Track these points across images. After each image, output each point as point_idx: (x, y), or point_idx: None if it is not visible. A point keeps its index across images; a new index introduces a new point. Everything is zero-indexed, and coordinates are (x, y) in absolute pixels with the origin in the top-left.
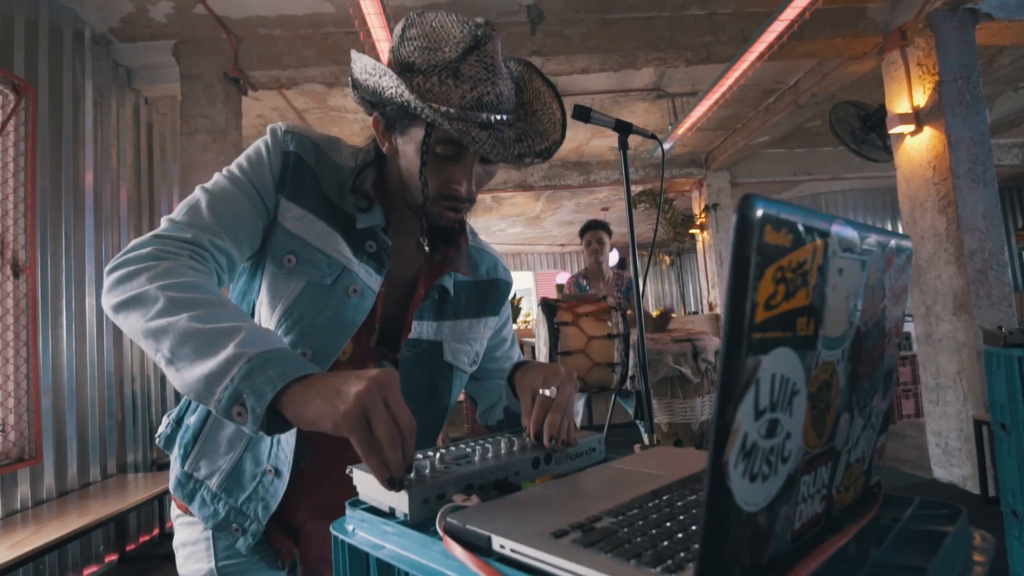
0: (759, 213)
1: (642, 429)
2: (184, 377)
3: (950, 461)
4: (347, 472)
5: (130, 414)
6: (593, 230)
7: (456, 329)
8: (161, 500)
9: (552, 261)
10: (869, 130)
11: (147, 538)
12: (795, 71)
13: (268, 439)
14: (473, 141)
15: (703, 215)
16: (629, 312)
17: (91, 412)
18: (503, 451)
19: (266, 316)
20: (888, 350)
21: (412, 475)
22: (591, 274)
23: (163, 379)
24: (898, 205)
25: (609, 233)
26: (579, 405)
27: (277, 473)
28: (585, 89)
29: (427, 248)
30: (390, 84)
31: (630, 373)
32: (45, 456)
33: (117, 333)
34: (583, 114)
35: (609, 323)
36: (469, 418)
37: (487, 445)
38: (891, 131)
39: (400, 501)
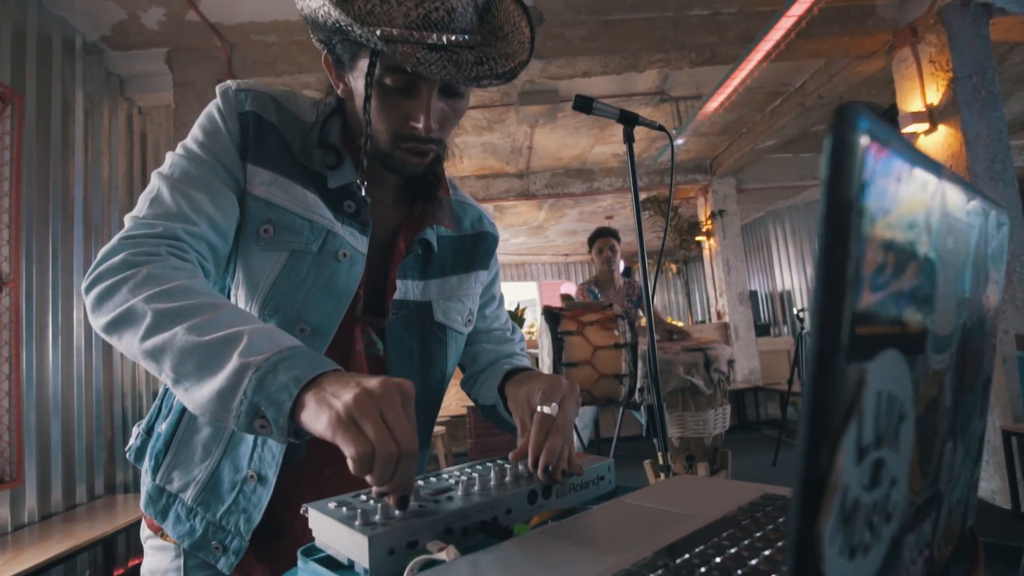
0: (864, 136)
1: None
2: (195, 398)
3: None
4: (302, 512)
5: (120, 432)
6: (604, 237)
7: (444, 287)
8: None
9: (556, 271)
10: None
11: (137, 562)
12: (801, 72)
13: (249, 439)
14: (418, 63)
15: (709, 222)
16: (641, 322)
17: (78, 430)
18: (492, 483)
19: (246, 299)
20: (987, 354)
21: (393, 512)
22: (602, 282)
23: (155, 395)
24: None
25: (618, 240)
26: (586, 419)
27: (260, 479)
28: (587, 94)
29: (413, 197)
30: (318, 5)
31: (639, 385)
32: (27, 477)
33: (107, 347)
34: (585, 105)
35: (616, 332)
36: (472, 432)
37: (473, 475)
38: (904, 130)
39: (359, 551)
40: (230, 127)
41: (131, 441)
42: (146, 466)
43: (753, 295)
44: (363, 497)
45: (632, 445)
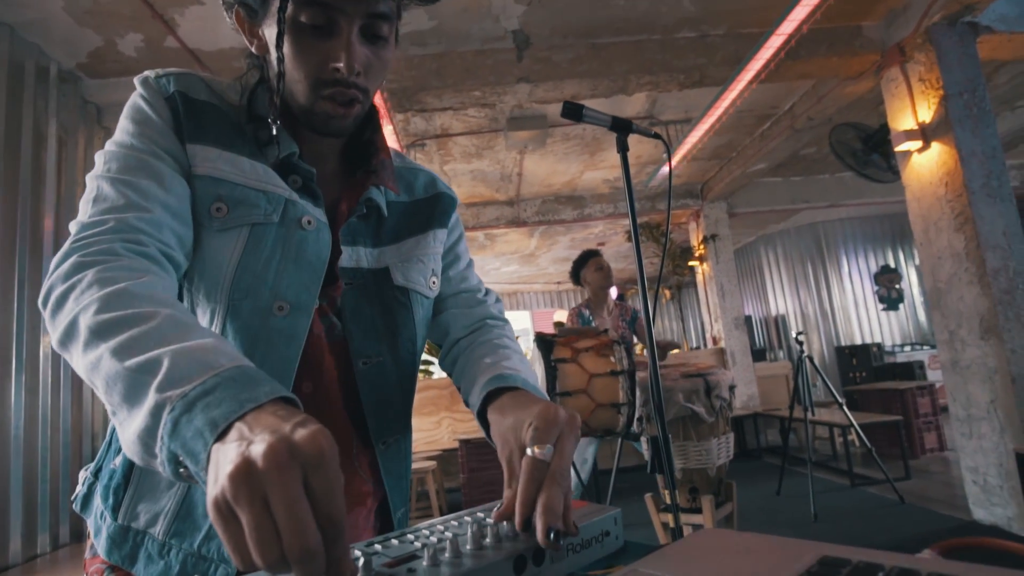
0: None
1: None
2: (123, 437)
3: (991, 500)
4: None
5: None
6: (596, 256)
7: (401, 250)
8: None
9: (548, 300)
10: (872, 151)
11: None
12: (790, 95)
13: None
14: None
15: (702, 246)
16: (640, 350)
17: (42, 473)
18: (468, 546)
19: (212, 289)
20: None
21: None
22: (594, 304)
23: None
24: (898, 232)
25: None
26: (587, 453)
27: None
28: None
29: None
30: None
31: (638, 414)
32: None
33: (76, 385)
34: (574, 112)
35: (612, 359)
36: (465, 467)
37: (445, 535)
38: (897, 149)
39: None
40: (159, 112)
41: (78, 488)
42: (99, 510)
43: (748, 320)
44: None
45: (631, 477)
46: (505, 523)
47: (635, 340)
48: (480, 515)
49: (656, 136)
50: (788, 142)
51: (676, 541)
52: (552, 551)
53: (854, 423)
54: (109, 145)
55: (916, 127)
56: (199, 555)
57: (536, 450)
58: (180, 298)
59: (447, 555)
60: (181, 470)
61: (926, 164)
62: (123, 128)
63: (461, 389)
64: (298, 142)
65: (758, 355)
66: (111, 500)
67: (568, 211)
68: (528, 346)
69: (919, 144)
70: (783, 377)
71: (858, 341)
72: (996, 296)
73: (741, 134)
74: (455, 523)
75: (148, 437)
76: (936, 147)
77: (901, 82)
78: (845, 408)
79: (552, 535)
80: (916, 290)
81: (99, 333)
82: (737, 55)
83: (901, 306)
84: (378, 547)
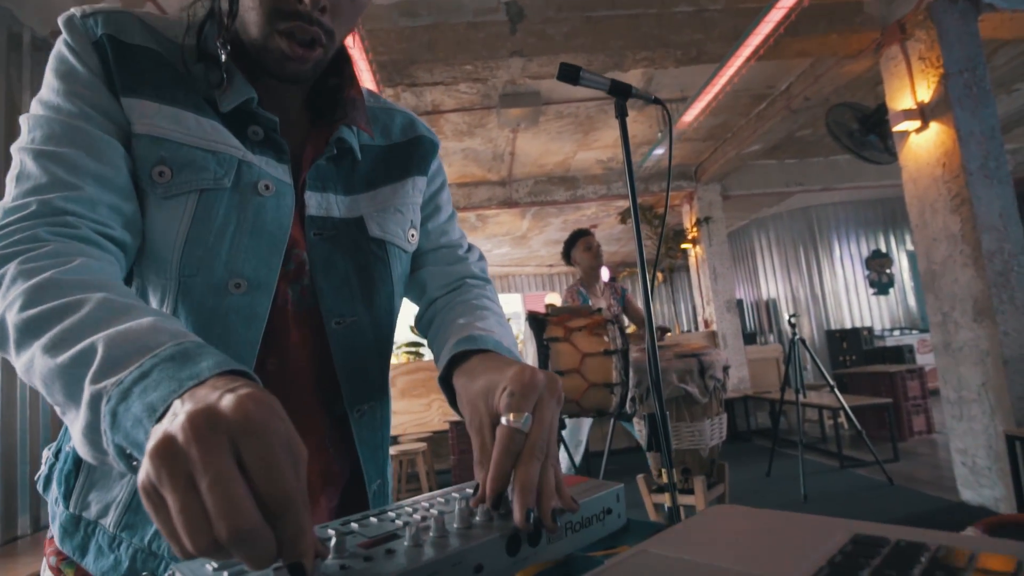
0: None
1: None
2: (74, 438)
3: (979, 481)
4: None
5: None
6: (586, 236)
7: (376, 199)
8: None
9: (540, 283)
10: (868, 131)
11: None
12: (787, 74)
13: None
14: None
15: (695, 229)
16: (631, 329)
17: (21, 455)
18: (456, 525)
19: (161, 266)
20: None
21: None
22: (587, 283)
23: None
24: (889, 217)
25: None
26: (581, 435)
27: None
28: (568, 96)
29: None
30: None
31: (631, 394)
32: None
33: None
34: (571, 74)
35: (605, 338)
36: (456, 448)
37: (430, 512)
38: (895, 128)
39: None
40: (87, 61)
41: (41, 468)
42: (55, 494)
43: (739, 304)
44: None
45: (621, 459)
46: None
47: (625, 320)
48: (469, 491)
49: (656, 101)
50: (784, 123)
51: (688, 518)
52: (536, 538)
53: (845, 406)
54: (34, 106)
55: (915, 107)
56: (149, 551)
57: (511, 418)
58: (129, 279)
59: (432, 534)
60: (134, 463)
61: (924, 145)
62: (48, 84)
63: (434, 353)
64: (256, 88)
65: (749, 339)
66: (63, 487)
67: (561, 192)
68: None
69: (917, 124)
70: (774, 360)
71: (848, 325)
72: (991, 278)
73: (736, 115)
74: (441, 499)
75: (92, 433)
76: (934, 127)
77: (901, 60)
78: (836, 391)
79: (531, 517)
80: (906, 275)
81: (28, 331)
82: (735, 31)
83: (891, 291)
84: (354, 526)
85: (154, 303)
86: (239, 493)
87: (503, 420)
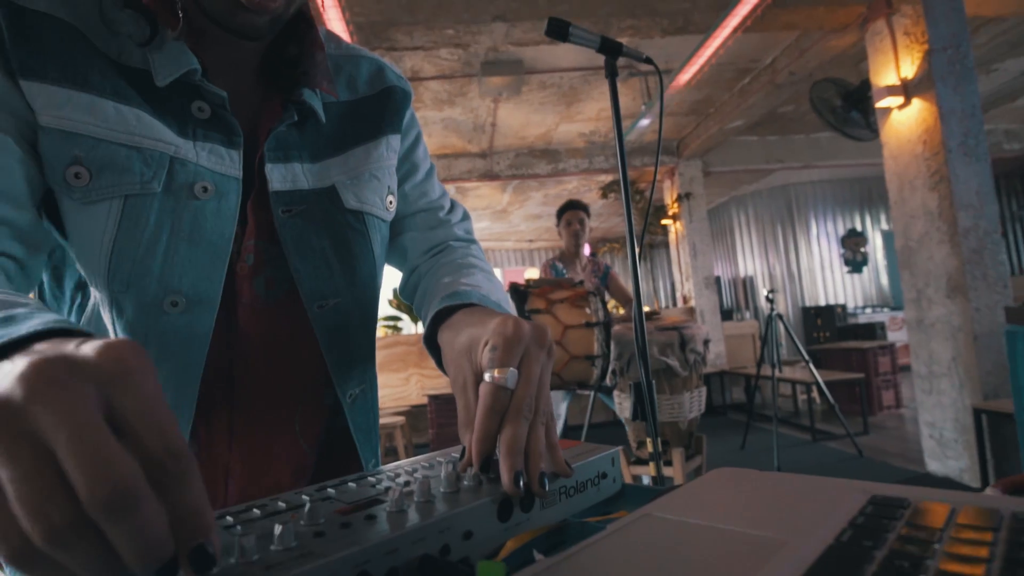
0: None
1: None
2: None
3: (945, 453)
4: None
5: None
6: (573, 209)
7: (348, 163)
8: None
9: (520, 258)
10: (851, 107)
11: None
12: (772, 48)
13: None
14: None
15: (676, 205)
16: (620, 311)
17: None
18: (442, 489)
19: (95, 281)
20: None
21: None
22: (567, 257)
23: None
24: (866, 197)
25: (588, 215)
26: (560, 409)
27: None
28: (553, 66)
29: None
30: None
31: (612, 367)
32: None
33: None
34: (560, 29)
35: (587, 310)
36: (434, 422)
37: (413, 477)
38: (878, 104)
39: None
40: None
41: None
42: None
43: (717, 280)
44: (228, 518)
45: (599, 433)
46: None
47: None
48: (455, 456)
49: (648, 60)
50: (767, 98)
51: (690, 482)
52: (528, 502)
53: (819, 380)
54: None
55: (898, 83)
56: None
57: (496, 374)
58: (86, 291)
59: (416, 499)
60: None
61: (905, 121)
62: None
63: (421, 317)
64: (202, 47)
65: (725, 315)
66: None
67: (542, 165)
68: None
69: (900, 100)
70: (750, 336)
71: (822, 303)
72: (965, 255)
73: (720, 89)
74: (425, 464)
75: None
76: (916, 104)
77: (886, 35)
78: (812, 366)
79: (520, 481)
80: (880, 254)
81: None
82: (723, 0)
83: (865, 269)
84: (331, 491)
85: (106, 319)
86: (111, 443)
87: (486, 377)
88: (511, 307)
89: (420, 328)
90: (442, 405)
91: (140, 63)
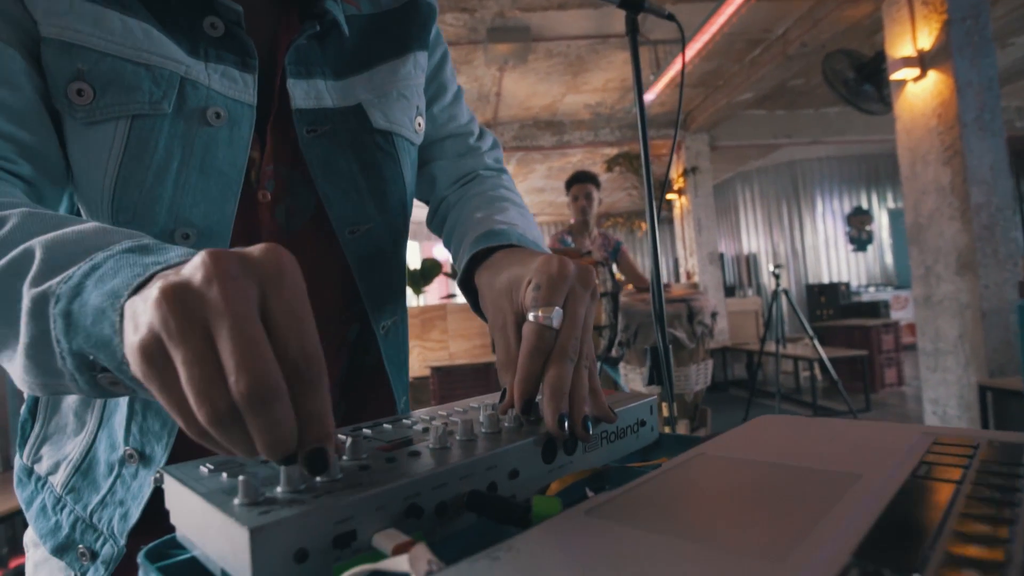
0: None
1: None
2: (14, 369)
3: None
4: (154, 479)
5: None
6: (581, 183)
7: (374, 81)
8: None
9: None
10: (864, 80)
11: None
12: (785, 18)
13: (123, 406)
14: None
15: (682, 179)
16: (627, 285)
17: None
18: (484, 429)
19: (92, 209)
20: None
21: (307, 481)
22: (576, 230)
23: None
24: (872, 174)
25: (597, 186)
26: None
27: (142, 458)
28: (562, 33)
29: None
30: None
31: (619, 338)
32: None
33: None
34: None
35: (595, 280)
36: (437, 394)
37: (453, 419)
38: (892, 76)
39: (236, 554)
40: None
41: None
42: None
43: (720, 257)
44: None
45: None
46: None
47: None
48: (489, 402)
49: (670, 17)
50: (777, 70)
51: (734, 428)
52: (572, 445)
53: (824, 357)
54: None
55: (914, 54)
56: (90, 522)
57: (540, 314)
58: None
59: (458, 438)
60: (100, 376)
61: (920, 95)
62: None
63: (452, 253)
64: None
65: (728, 292)
66: (20, 434)
67: (547, 137)
68: None
69: (916, 72)
70: (753, 313)
71: (826, 280)
72: (976, 232)
73: (730, 60)
74: (459, 409)
75: (41, 353)
76: (932, 76)
77: (903, 5)
78: (816, 343)
79: (564, 423)
80: (885, 232)
81: None
82: None
83: (870, 247)
84: (367, 431)
85: None
86: (263, 339)
87: (529, 316)
88: (544, 244)
89: (421, 301)
90: (443, 377)
91: None
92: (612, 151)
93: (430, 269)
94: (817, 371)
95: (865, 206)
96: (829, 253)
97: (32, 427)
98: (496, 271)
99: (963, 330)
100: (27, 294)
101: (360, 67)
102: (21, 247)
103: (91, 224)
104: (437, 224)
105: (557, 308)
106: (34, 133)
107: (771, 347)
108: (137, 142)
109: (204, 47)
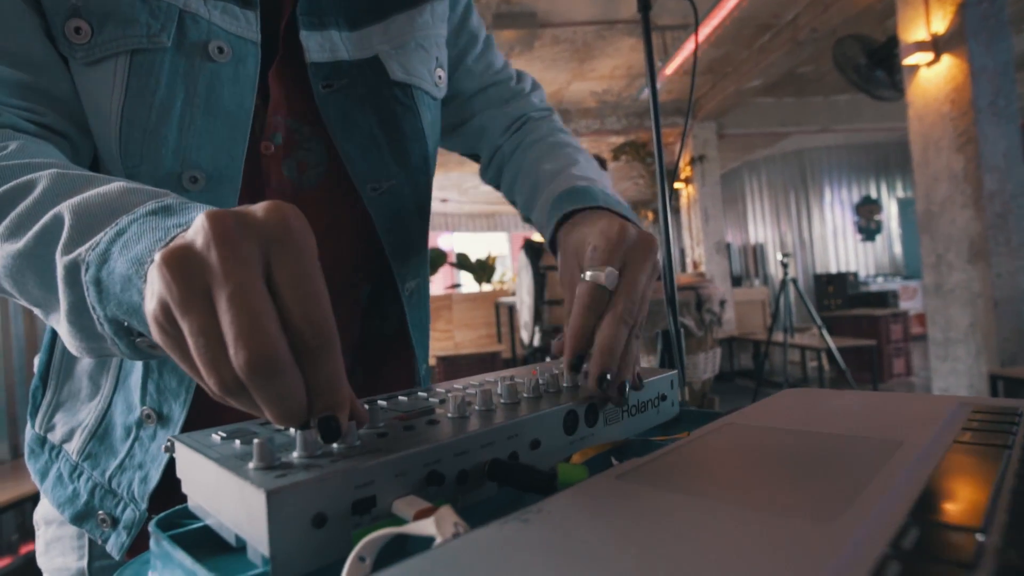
0: None
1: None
2: (63, 333)
3: None
4: (164, 448)
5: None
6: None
7: (390, 31)
8: None
9: None
10: (876, 66)
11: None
12: (795, 3)
13: (140, 365)
14: None
15: (689, 167)
16: None
17: None
18: (504, 400)
19: (105, 155)
20: None
21: (323, 447)
22: None
23: None
24: (882, 164)
25: (604, 168)
26: None
27: (161, 418)
28: (569, 19)
29: None
30: None
31: None
32: None
33: None
34: None
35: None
36: (442, 381)
37: (470, 391)
38: (905, 61)
39: (253, 519)
40: None
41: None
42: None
43: (727, 247)
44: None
45: None
46: (548, 376)
47: None
48: (505, 376)
49: None
50: (787, 57)
51: (760, 400)
52: (603, 407)
53: (832, 346)
54: None
55: (928, 38)
56: (109, 488)
57: (595, 274)
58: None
59: (477, 407)
60: (139, 340)
61: (933, 80)
62: None
63: (518, 204)
64: None
65: (735, 282)
66: (31, 403)
67: None
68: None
69: (929, 57)
70: (759, 303)
71: (834, 270)
72: (989, 219)
73: (739, 46)
74: (475, 383)
75: (81, 318)
76: (946, 61)
77: None
78: (824, 332)
79: (604, 382)
80: (894, 222)
81: None
82: None
83: (878, 237)
84: (383, 403)
85: None
86: (264, 309)
87: (584, 275)
88: (615, 196)
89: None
90: (449, 366)
91: None
92: (618, 140)
93: (434, 259)
94: (825, 361)
95: (874, 195)
96: (837, 243)
97: (44, 394)
98: (569, 232)
99: (974, 319)
100: (60, 262)
101: (375, 17)
102: (52, 212)
103: (116, 184)
104: (493, 174)
105: (611, 269)
106: (50, 80)
107: (778, 337)
108: (138, 79)
109: None
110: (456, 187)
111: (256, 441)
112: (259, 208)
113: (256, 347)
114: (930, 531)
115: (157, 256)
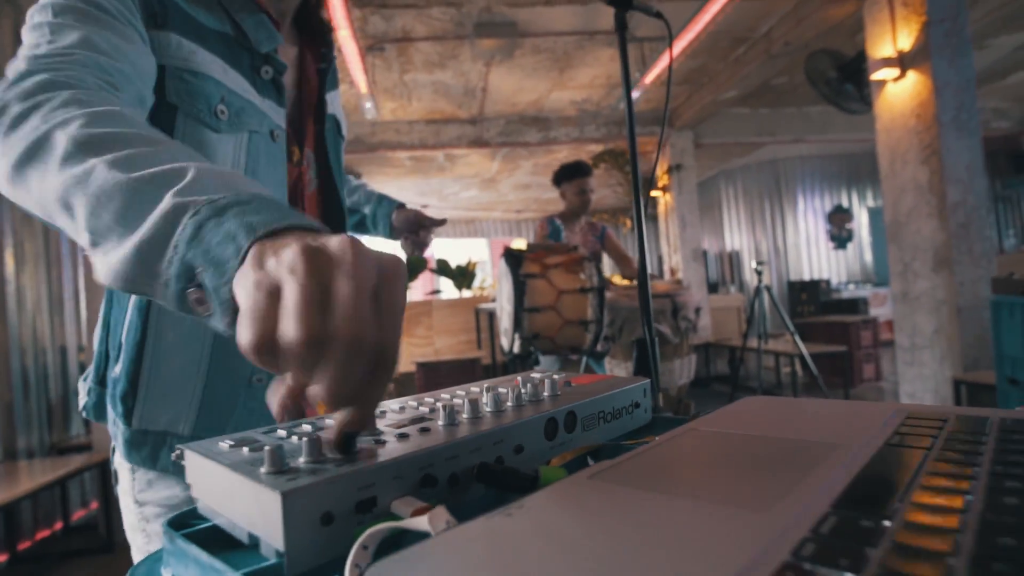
0: None
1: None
2: (110, 261)
3: None
4: (173, 457)
5: (20, 391)
6: (584, 176)
7: (335, 100)
8: (64, 487)
9: (507, 229)
10: (846, 80)
11: (46, 534)
12: (768, 17)
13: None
14: None
15: (666, 176)
16: (615, 279)
17: None
18: (489, 408)
19: None
20: None
21: (329, 453)
22: (567, 217)
23: (63, 350)
24: (853, 173)
25: (590, 175)
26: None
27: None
28: (548, 29)
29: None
30: None
31: (604, 332)
32: None
33: (6, 300)
34: None
35: (582, 275)
36: (422, 389)
37: (456, 400)
38: (873, 77)
39: (267, 518)
40: None
41: (82, 399)
42: (112, 416)
43: (704, 254)
44: (280, 432)
45: None
46: (530, 385)
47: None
48: (486, 385)
49: (658, 15)
50: (761, 69)
51: (722, 408)
52: (586, 417)
53: (805, 352)
54: (40, 13)
55: (895, 55)
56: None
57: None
58: None
59: (465, 415)
60: (191, 290)
61: (899, 95)
62: None
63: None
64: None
65: (711, 288)
66: (121, 408)
67: (533, 133)
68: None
69: (896, 73)
70: (735, 310)
71: (807, 277)
72: (952, 230)
73: (715, 58)
74: (461, 392)
75: (153, 251)
76: (912, 76)
77: (884, 6)
78: (798, 338)
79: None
80: (865, 230)
81: (89, 146)
82: None
83: (849, 245)
84: (378, 411)
85: None
86: (371, 307)
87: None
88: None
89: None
90: (429, 372)
91: (232, 30)
92: (597, 148)
93: (415, 265)
94: (798, 366)
95: (845, 204)
96: (810, 251)
97: (136, 399)
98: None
99: (939, 325)
100: (170, 199)
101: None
102: (174, 164)
103: (229, 169)
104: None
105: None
106: (146, 109)
107: (753, 343)
108: (253, 151)
109: (258, 86)
110: (436, 193)
111: (267, 448)
112: (381, 251)
113: (365, 327)
114: (846, 519)
115: (294, 242)
